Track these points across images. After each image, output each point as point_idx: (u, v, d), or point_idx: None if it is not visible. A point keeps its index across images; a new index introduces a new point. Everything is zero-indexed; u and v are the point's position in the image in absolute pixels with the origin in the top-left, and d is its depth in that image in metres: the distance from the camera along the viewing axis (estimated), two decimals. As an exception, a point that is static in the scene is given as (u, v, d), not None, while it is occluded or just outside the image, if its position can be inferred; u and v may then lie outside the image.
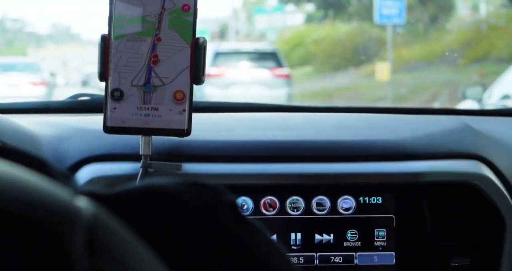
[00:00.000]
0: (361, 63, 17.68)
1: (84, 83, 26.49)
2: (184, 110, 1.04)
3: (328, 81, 17.12)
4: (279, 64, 12.92)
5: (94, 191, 0.49)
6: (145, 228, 0.48)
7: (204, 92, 11.12)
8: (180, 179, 0.51)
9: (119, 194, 0.49)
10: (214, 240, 0.50)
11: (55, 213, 0.39)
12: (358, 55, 17.73)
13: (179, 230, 0.49)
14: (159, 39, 1.02)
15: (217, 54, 12.53)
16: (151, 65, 1.03)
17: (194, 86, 1.04)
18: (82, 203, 0.41)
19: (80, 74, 28.39)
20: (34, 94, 14.18)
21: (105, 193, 0.49)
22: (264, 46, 14.39)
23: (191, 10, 1.03)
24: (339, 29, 20.65)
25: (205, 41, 1.04)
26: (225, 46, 14.13)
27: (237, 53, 13.12)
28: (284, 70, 12.97)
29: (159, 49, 1.02)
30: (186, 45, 1.03)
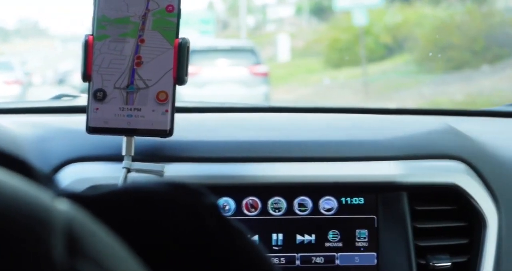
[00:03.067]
0: (501, 58, 12.59)
1: (61, 82, 26.49)
2: (167, 111, 1.07)
3: (460, 85, 11.87)
4: (257, 62, 12.90)
5: (75, 193, 0.51)
6: (127, 230, 0.49)
7: (179, 91, 11.09)
8: (162, 181, 0.54)
9: (101, 196, 0.51)
10: (196, 241, 0.52)
11: (34, 216, 0.40)
12: (493, 47, 12.53)
13: (160, 232, 0.51)
14: (142, 41, 1.05)
15: (192, 52, 12.46)
16: (135, 67, 1.05)
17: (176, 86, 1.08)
18: (62, 205, 0.42)
19: (44, 75, 28.33)
20: (8, 94, 14.06)
21: (87, 195, 0.51)
22: (240, 43, 14.36)
23: (175, 11, 1.06)
24: (421, 12, 16.16)
25: (188, 42, 1.07)
26: (200, 43, 14.07)
27: (212, 51, 13.07)
28: (262, 68, 12.94)
29: (143, 50, 1.05)
30: (169, 47, 1.05)
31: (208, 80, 12.23)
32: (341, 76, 15.68)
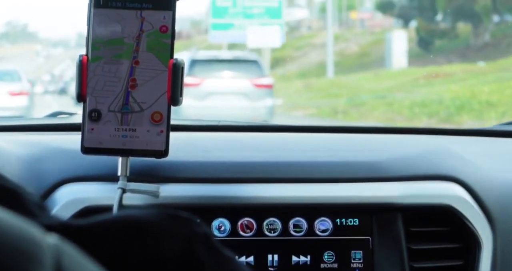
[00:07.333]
0: None
1: (62, 91, 26.79)
2: (162, 131, 1.09)
3: None
4: (261, 74, 12.89)
5: (67, 222, 0.52)
6: (119, 260, 0.51)
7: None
8: (155, 210, 0.55)
9: (93, 226, 0.52)
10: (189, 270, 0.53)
11: (23, 250, 0.41)
12: None
13: (153, 262, 0.52)
14: (137, 62, 1.07)
15: (194, 62, 12.45)
16: (129, 89, 1.08)
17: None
18: (51, 239, 0.43)
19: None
20: (13, 105, 13.78)
21: (79, 225, 0.52)
22: (244, 54, 14.37)
23: (168, 32, 1.08)
24: None
25: (182, 62, 1.08)
26: (202, 53, 14.08)
27: (215, 61, 13.07)
28: (266, 80, 12.93)
29: (137, 72, 1.07)
30: (164, 68, 1.08)
31: (210, 92, 12.22)
32: None
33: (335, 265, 1.26)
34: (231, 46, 21.57)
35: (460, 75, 17.99)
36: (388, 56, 21.06)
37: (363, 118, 14.33)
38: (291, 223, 1.26)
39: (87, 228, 0.52)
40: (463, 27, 25.31)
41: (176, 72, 1.08)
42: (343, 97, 16.94)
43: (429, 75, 18.78)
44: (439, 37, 24.35)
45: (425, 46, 24.05)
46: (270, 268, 1.25)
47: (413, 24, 26.10)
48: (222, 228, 1.25)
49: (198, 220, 0.56)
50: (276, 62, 24.00)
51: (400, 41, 20.46)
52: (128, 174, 1.13)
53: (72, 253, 0.44)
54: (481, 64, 19.48)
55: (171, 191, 1.21)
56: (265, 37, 17.51)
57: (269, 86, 12.82)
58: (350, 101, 16.50)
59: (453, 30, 24.77)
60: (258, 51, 17.60)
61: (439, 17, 25.63)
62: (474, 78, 17.43)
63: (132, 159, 1.14)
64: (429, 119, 13.60)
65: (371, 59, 24.45)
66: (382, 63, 22.14)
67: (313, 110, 16.45)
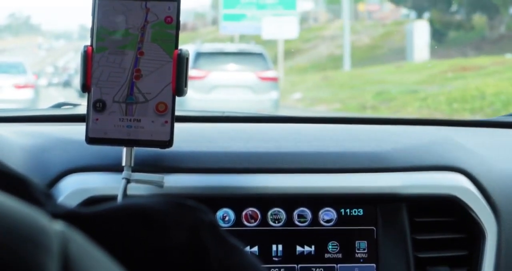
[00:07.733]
0: None
1: (66, 84, 27.00)
2: (167, 122, 1.10)
3: None
4: (266, 66, 12.89)
5: (74, 210, 0.53)
6: (125, 248, 0.51)
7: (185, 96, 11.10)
8: (161, 198, 0.55)
9: (99, 214, 0.52)
10: (195, 259, 0.54)
11: (30, 238, 0.41)
12: None
13: (159, 250, 0.53)
14: (141, 53, 1.08)
15: (199, 55, 12.44)
16: (134, 80, 1.08)
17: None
18: (58, 226, 0.43)
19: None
20: (18, 98, 13.72)
21: (85, 213, 0.52)
22: (249, 46, 14.36)
23: (173, 22, 1.08)
24: None
25: (186, 53, 1.09)
26: (208, 46, 14.06)
27: (220, 54, 13.06)
28: (271, 73, 12.92)
29: (142, 63, 1.08)
30: (169, 59, 1.08)
31: (215, 85, 12.22)
32: None
33: (340, 255, 1.27)
34: (241, 38, 21.27)
35: (492, 68, 16.78)
36: (410, 48, 20.32)
37: (396, 115, 13.05)
38: (295, 213, 1.27)
39: (93, 216, 0.52)
40: (478, 19, 24.69)
41: (180, 62, 1.09)
42: (367, 91, 16.02)
43: (457, 67, 17.46)
44: (454, 29, 24.01)
45: (439, 38, 23.71)
46: (274, 258, 1.26)
47: (426, 15, 25.79)
48: (227, 218, 1.25)
49: (204, 208, 0.56)
50: (285, 54, 23.71)
51: (422, 32, 19.69)
52: (132, 164, 1.13)
53: (78, 240, 0.44)
54: (509, 56, 18.73)
55: (175, 181, 1.21)
56: (281, 28, 17.15)
57: (274, 79, 12.82)
58: (378, 95, 15.53)
59: (468, 22, 24.40)
60: (265, 43, 17.16)
61: (453, 8, 25.29)
62: (509, 71, 16.25)
63: (136, 149, 1.14)
64: (473, 116, 12.33)
65: (383, 51, 24.16)
66: (396, 56, 21.59)
67: (337, 105, 15.73)
